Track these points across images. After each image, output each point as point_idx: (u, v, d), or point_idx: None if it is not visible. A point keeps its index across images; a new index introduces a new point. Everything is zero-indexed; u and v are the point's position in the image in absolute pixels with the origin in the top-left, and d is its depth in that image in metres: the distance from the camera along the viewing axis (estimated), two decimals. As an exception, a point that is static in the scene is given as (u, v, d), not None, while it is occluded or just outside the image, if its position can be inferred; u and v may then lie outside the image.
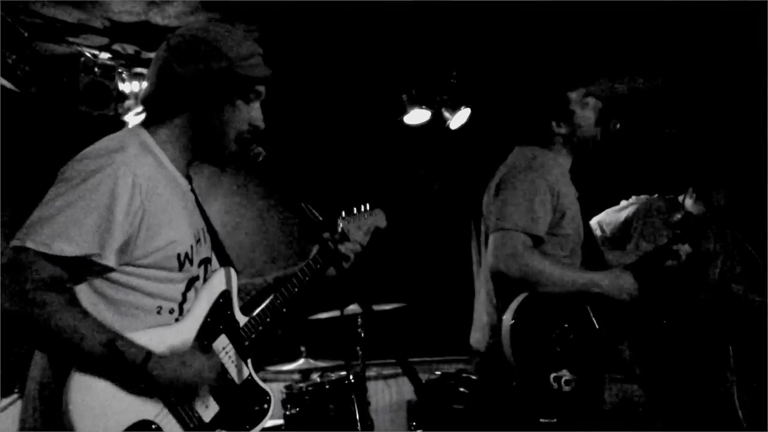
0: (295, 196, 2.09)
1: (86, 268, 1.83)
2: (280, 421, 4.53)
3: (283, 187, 2.10)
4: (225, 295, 2.12)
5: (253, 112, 2.07)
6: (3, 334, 1.74)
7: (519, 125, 3.14)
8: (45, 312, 1.72)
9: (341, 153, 5.67)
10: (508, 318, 2.70)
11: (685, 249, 3.16)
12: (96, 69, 4.78)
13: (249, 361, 2.15)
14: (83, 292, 1.86)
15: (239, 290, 2.25)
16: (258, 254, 5.70)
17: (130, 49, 4.90)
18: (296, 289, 2.27)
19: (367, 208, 2.52)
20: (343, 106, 5.56)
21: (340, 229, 2.39)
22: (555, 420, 2.72)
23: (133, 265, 1.88)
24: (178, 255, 1.94)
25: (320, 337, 4.90)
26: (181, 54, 1.99)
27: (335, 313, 4.71)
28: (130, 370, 1.80)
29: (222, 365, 2.05)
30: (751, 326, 3.79)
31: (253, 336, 2.15)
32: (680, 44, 4.82)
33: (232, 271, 2.18)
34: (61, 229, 1.75)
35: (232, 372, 2.09)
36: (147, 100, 2.06)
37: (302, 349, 4.82)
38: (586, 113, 2.99)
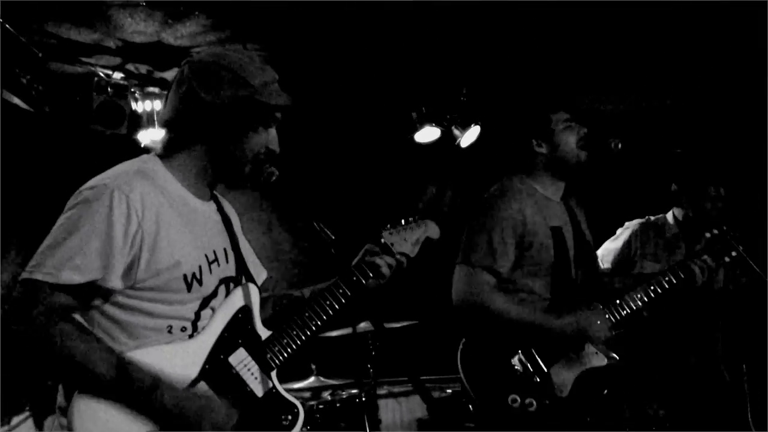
0: (307, 216, 2.10)
1: (94, 294, 1.88)
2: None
3: (296, 207, 2.11)
4: (244, 310, 2.12)
5: (270, 137, 2.10)
6: (19, 362, 1.79)
7: (503, 145, 3.17)
8: (57, 340, 1.78)
9: (353, 172, 5.68)
10: (463, 340, 2.82)
11: (706, 262, 3.12)
12: (109, 89, 4.83)
13: (273, 374, 2.14)
14: (94, 319, 1.91)
15: (275, 300, 2.29)
16: (271, 271, 5.69)
17: (143, 68, 4.95)
18: (328, 302, 2.23)
19: (416, 219, 2.45)
20: (354, 125, 5.59)
21: (382, 242, 2.32)
22: None
23: (139, 288, 1.91)
24: (185, 276, 1.96)
25: (331, 355, 4.89)
26: (206, 80, 2.02)
27: (347, 331, 4.70)
28: (136, 394, 1.83)
29: (242, 382, 2.05)
30: (739, 312, 3.78)
31: (277, 349, 2.14)
32: (677, 59, 4.81)
33: (253, 287, 2.18)
34: (66, 258, 1.81)
35: (253, 385, 2.08)
36: (169, 124, 2.08)
37: (313, 366, 4.81)
38: (567, 134, 2.99)
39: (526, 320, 2.82)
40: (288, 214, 5.65)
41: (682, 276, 3.07)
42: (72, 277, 1.81)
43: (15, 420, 4.23)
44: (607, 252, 3.98)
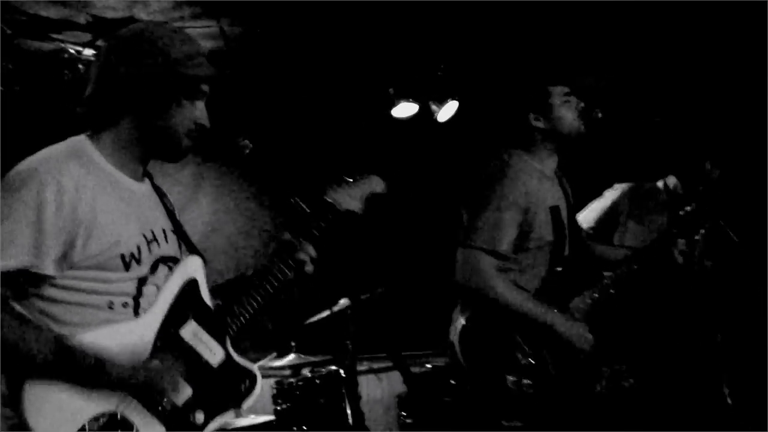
0: (283, 190, 2.08)
1: (29, 281, 1.85)
2: (271, 417, 4.52)
3: (271, 180, 2.09)
4: (191, 283, 2.10)
5: (198, 111, 2.06)
6: None
7: (500, 120, 3.14)
8: None
9: (328, 147, 5.65)
10: (461, 320, 2.80)
11: (681, 244, 3.17)
12: (80, 65, 4.75)
13: (227, 342, 2.13)
14: (34, 304, 1.88)
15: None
16: (247, 248, 5.67)
17: (102, 45, 4.86)
18: (276, 268, 2.21)
19: (361, 175, 2.42)
20: (330, 99, 5.55)
21: (326, 200, 2.30)
22: (519, 423, 2.74)
23: (76, 269, 1.89)
24: (122, 255, 1.94)
25: (310, 333, 4.89)
26: (123, 53, 1.99)
27: (325, 314, 4.70)
28: (81, 372, 1.82)
29: (193, 353, 2.04)
30: (736, 308, 3.81)
31: (231, 318, 2.13)
32: (675, 37, 4.83)
33: (198, 259, 2.16)
34: None
35: (206, 355, 2.07)
36: (91, 101, 2.03)
37: (292, 344, 4.81)
38: (566, 109, 2.97)
39: (523, 310, 2.81)
40: (263, 188, 5.61)
41: (643, 266, 3.10)
42: (2, 263, 1.77)
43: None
44: (592, 210, 3.97)
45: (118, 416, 1.87)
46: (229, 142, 2.06)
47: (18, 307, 1.87)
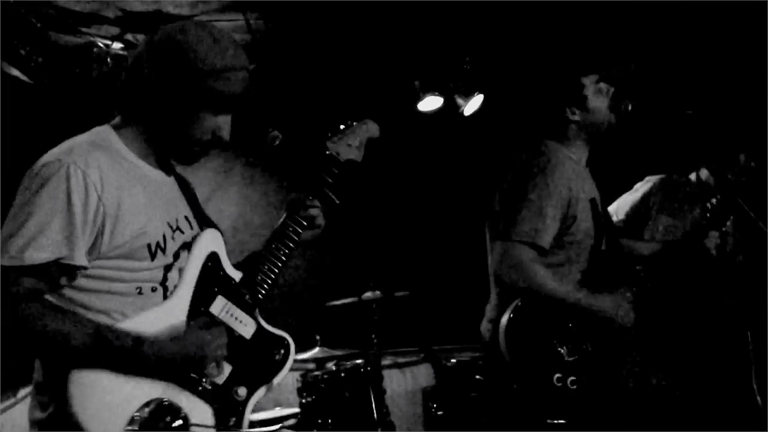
0: (315, 181, 2.07)
1: (61, 272, 1.87)
2: (297, 410, 4.54)
3: (298, 172, 2.09)
4: (212, 257, 2.10)
5: (219, 123, 2.04)
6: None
7: (532, 114, 3.09)
8: (29, 322, 1.77)
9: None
10: (506, 316, 2.70)
11: (714, 237, 3.13)
12: (108, 59, 4.78)
13: (257, 312, 2.13)
14: (65, 295, 1.90)
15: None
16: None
17: (142, 38, 4.88)
18: (290, 229, 2.21)
19: (354, 122, 2.39)
20: (356, 92, 5.54)
21: (327, 153, 2.27)
22: (563, 421, 2.69)
23: (103, 258, 1.90)
24: (148, 245, 1.96)
25: (335, 326, 4.90)
26: (153, 54, 1.98)
27: (352, 299, 4.70)
28: (122, 356, 1.83)
29: (227, 328, 2.04)
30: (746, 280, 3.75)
31: (256, 287, 2.13)
32: (699, 24, 4.76)
33: (215, 232, 2.15)
34: (29, 240, 1.80)
35: (239, 329, 2.08)
36: (118, 94, 2.05)
37: (317, 337, 4.82)
38: (600, 99, 2.93)
39: (569, 300, 2.76)
40: (290, 180, 5.61)
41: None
42: (36, 256, 1.79)
43: (21, 392, 4.25)
44: (623, 203, 3.93)
45: (165, 402, 1.88)
46: (259, 133, 2.06)
47: (52, 299, 1.89)
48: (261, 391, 2.10)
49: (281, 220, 2.24)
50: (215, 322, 2.02)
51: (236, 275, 2.13)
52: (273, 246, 2.18)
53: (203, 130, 2.01)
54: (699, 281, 3.65)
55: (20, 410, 4.22)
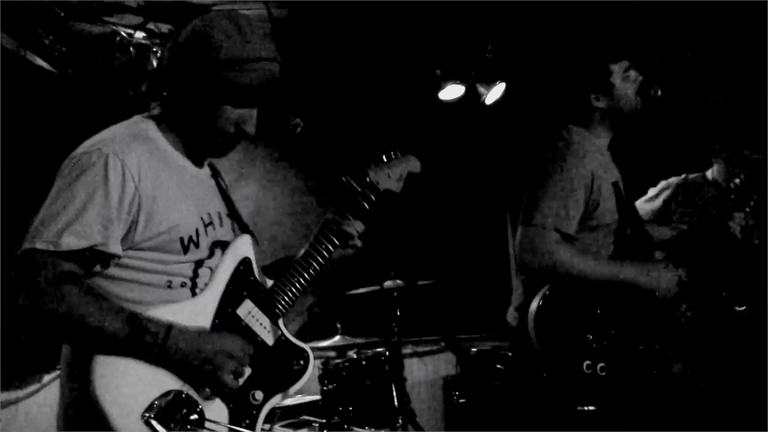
0: (334, 168, 2.08)
1: (95, 260, 1.89)
2: (317, 397, 4.56)
3: (319, 160, 2.09)
4: (245, 262, 2.12)
5: (243, 116, 2.03)
6: (28, 331, 1.81)
7: (556, 99, 3.06)
8: (64, 304, 1.79)
9: (376, 128, 5.64)
10: (535, 303, 2.68)
11: (739, 219, 3.08)
12: (131, 49, 4.80)
13: (280, 321, 2.15)
14: (95, 282, 1.91)
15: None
16: (295, 235, 5.70)
17: (165, 27, 4.91)
18: (323, 246, 2.22)
19: (398, 154, 2.41)
20: (378, 80, 5.53)
21: (367, 180, 2.28)
22: (593, 408, 2.68)
23: (136, 249, 1.92)
24: (181, 239, 1.97)
25: (356, 314, 4.91)
26: (179, 46, 2.00)
27: (374, 288, 4.71)
28: (153, 345, 1.84)
29: (250, 332, 2.06)
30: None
31: (281, 296, 2.15)
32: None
33: (249, 238, 2.18)
34: (65, 225, 1.81)
35: (262, 334, 2.10)
36: (151, 86, 2.09)
37: (338, 326, 4.84)
38: (627, 86, 2.90)
39: (598, 274, 2.73)
40: (310, 169, 5.62)
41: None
42: (73, 242, 1.81)
43: (46, 378, 4.31)
44: (642, 213, 3.90)
45: (183, 394, 1.90)
46: (280, 120, 2.06)
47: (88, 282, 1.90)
48: (277, 398, 2.12)
49: (314, 235, 2.26)
50: (239, 325, 2.05)
51: (266, 283, 2.16)
52: (303, 260, 2.20)
53: (226, 122, 2.01)
54: (725, 265, 3.60)
55: (44, 395, 4.27)
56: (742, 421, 3.38)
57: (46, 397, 4.26)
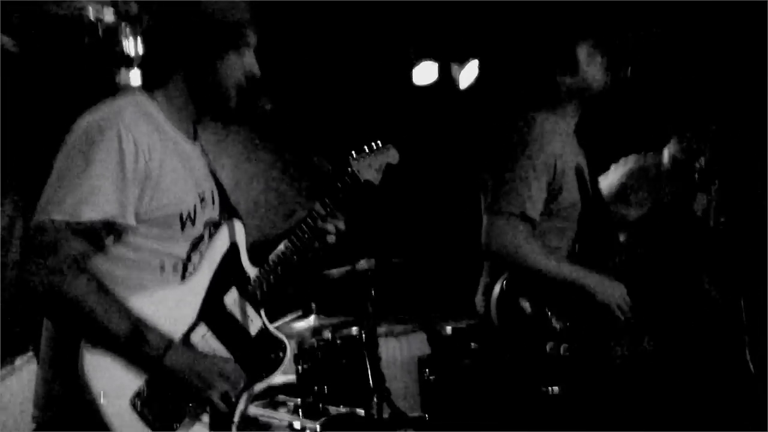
0: (305, 148, 2.09)
1: (108, 232, 1.88)
2: (293, 377, 4.57)
3: (293, 140, 2.10)
4: (233, 248, 2.13)
5: (246, 60, 2.07)
6: (32, 308, 1.81)
7: (523, 80, 3.07)
8: (79, 292, 1.79)
9: (347, 105, 5.62)
10: (498, 286, 2.75)
11: (702, 200, 3.12)
12: (99, 30, 4.74)
13: (262, 312, 2.17)
14: (101, 261, 1.91)
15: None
16: (271, 212, 5.69)
17: (134, 7, 4.84)
18: (306, 235, 2.23)
19: (379, 145, 2.43)
20: (349, 60, 5.51)
21: (349, 171, 2.30)
22: (557, 388, 2.74)
23: (139, 222, 1.93)
24: (180, 215, 1.99)
25: (330, 294, 4.91)
26: (166, 11, 2.03)
27: (346, 269, 4.71)
28: (149, 357, 1.87)
29: (235, 322, 2.09)
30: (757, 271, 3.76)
31: (265, 287, 2.16)
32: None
33: (239, 223, 2.19)
34: (84, 196, 1.81)
35: (246, 324, 2.12)
36: (142, 63, 2.14)
37: (313, 306, 4.84)
38: (593, 65, 2.92)
39: (556, 274, 2.79)
40: (284, 150, 5.60)
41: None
42: (91, 214, 1.80)
43: (18, 361, 4.27)
44: (603, 192, 3.92)
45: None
46: (249, 102, 2.06)
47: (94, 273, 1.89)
48: (258, 386, 2.17)
49: (296, 225, 2.26)
50: (224, 313, 2.06)
51: (251, 271, 2.17)
52: (286, 247, 2.21)
53: (234, 71, 2.04)
54: (688, 244, 3.65)
55: (17, 379, 4.24)
56: (713, 401, 3.45)
57: (20, 380, 4.23)
